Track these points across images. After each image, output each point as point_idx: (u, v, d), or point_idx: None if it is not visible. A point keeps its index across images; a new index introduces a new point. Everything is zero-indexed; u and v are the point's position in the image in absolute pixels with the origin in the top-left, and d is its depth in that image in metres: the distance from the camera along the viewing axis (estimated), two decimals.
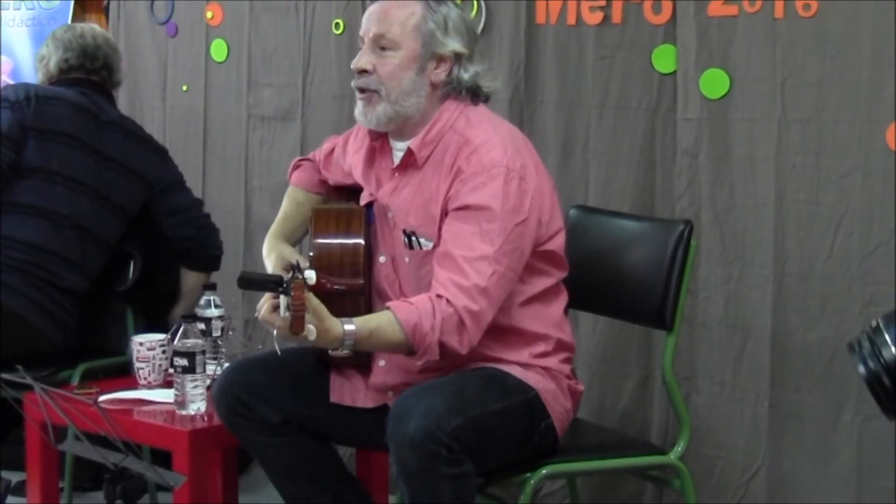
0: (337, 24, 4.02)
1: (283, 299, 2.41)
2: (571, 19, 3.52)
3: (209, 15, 4.36)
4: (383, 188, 2.80)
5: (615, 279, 3.00)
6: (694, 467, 3.07)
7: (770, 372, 3.24)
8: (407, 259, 2.75)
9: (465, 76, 2.74)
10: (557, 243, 2.76)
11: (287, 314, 2.39)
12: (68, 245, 3.50)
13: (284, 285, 2.38)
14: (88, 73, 3.68)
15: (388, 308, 2.59)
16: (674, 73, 3.36)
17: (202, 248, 3.76)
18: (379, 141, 2.83)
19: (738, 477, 3.30)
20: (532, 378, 2.73)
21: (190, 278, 3.77)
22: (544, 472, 2.71)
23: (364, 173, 2.88)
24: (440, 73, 2.73)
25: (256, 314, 2.56)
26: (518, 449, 2.70)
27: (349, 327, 2.51)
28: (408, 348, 2.58)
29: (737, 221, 3.28)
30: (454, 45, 2.72)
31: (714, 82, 3.28)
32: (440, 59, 2.72)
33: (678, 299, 2.90)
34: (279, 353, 2.61)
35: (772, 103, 3.20)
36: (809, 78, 3.14)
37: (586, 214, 3.18)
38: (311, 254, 2.78)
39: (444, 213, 2.67)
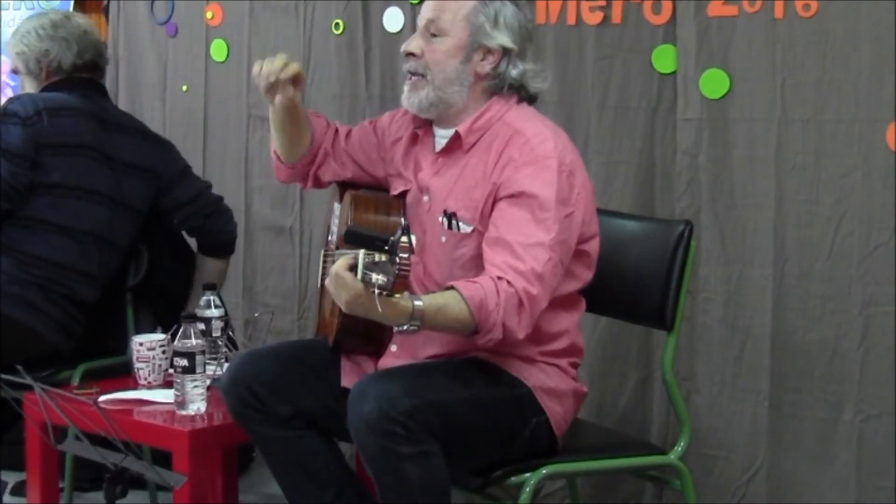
0: (337, 24, 4.03)
1: (361, 261, 2.36)
2: (571, 19, 3.52)
3: (209, 15, 4.37)
4: (423, 171, 2.84)
5: (615, 279, 3.00)
6: (694, 467, 3.08)
7: (770, 372, 3.24)
8: (444, 239, 2.76)
9: (513, 72, 2.78)
10: (593, 246, 2.79)
11: (375, 276, 2.34)
12: (88, 260, 3.50)
13: (391, 244, 2.35)
14: (94, 72, 3.61)
15: (451, 286, 2.58)
16: (674, 73, 3.36)
17: (212, 235, 3.74)
18: (422, 129, 2.87)
19: (738, 477, 3.30)
20: (530, 374, 2.74)
21: (207, 264, 3.75)
22: (544, 472, 2.71)
23: (403, 158, 2.91)
24: (485, 66, 2.77)
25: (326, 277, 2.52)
26: (507, 442, 2.71)
27: (418, 303, 2.49)
28: (472, 327, 2.57)
29: (737, 221, 3.28)
30: (502, 39, 2.75)
31: (714, 82, 3.28)
32: (487, 52, 2.76)
33: (678, 299, 2.90)
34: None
35: (772, 103, 3.20)
36: (809, 78, 3.14)
37: None
38: (349, 228, 2.78)
39: (493, 200, 2.68)
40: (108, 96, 3.73)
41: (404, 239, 2.33)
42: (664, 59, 3.37)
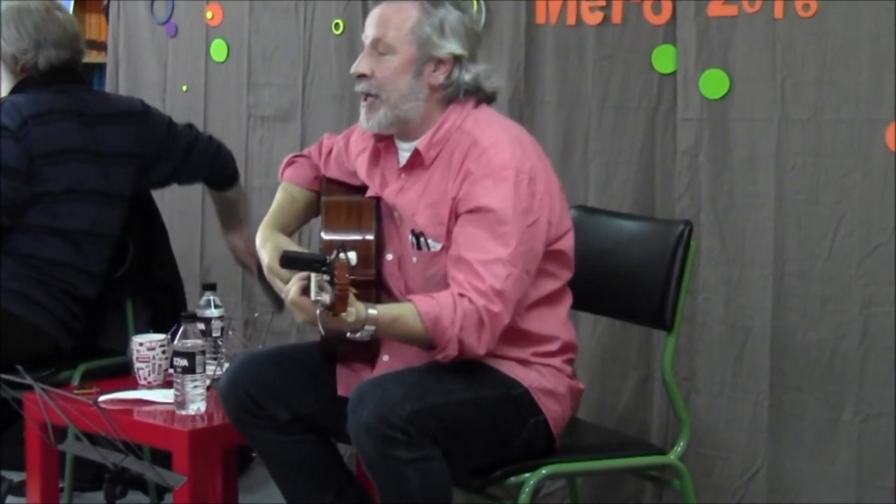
0: (337, 24, 4.03)
1: (313, 282, 2.39)
2: (571, 19, 3.52)
3: (209, 15, 4.37)
4: (389, 188, 2.80)
5: (615, 279, 3.00)
6: (694, 467, 3.08)
7: (770, 372, 3.24)
8: (415, 259, 2.75)
9: (466, 78, 2.74)
10: (567, 243, 2.77)
11: (324, 296, 2.37)
12: (86, 257, 3.50)
13: (327, 265, 2.36)
14: (72, 67, 3.55)
15: (409, 300, 2.59)
16: (674, 73, 3.36)
17: (220, 171, 3.76)
18: (384, 142, 2.84)
19: (738, 477, 3.30)
20: (527, 374, 2.74)
21: (224, 196, 3.80)
22: (544, 472, 2.71)
23: (369, 173, 2.88)
24: (438, 76, 2.73)
25: (284, 295, 2.56)
26: (505, 443, 2.70)
27: (372, 311, 2.51)
28: (427, 341, 2.58)
29: (737, 221, 3.28)
30: (452, 47, 2.72)
31: (714, 82, 3.28)
32: (438, 62, 2.72)
33: (678, 299, 2.90)
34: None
35: (772, 103, 3.20)
36: (809, 78, 3.14)
37: (586, 214, 3.18)
38: (322, 236, 2.78)
39: (455, 215, 2.67)
40: (83, 82, 3.65)
41: (342, 256, 2.35)
42: (664, 59, 3.37)
